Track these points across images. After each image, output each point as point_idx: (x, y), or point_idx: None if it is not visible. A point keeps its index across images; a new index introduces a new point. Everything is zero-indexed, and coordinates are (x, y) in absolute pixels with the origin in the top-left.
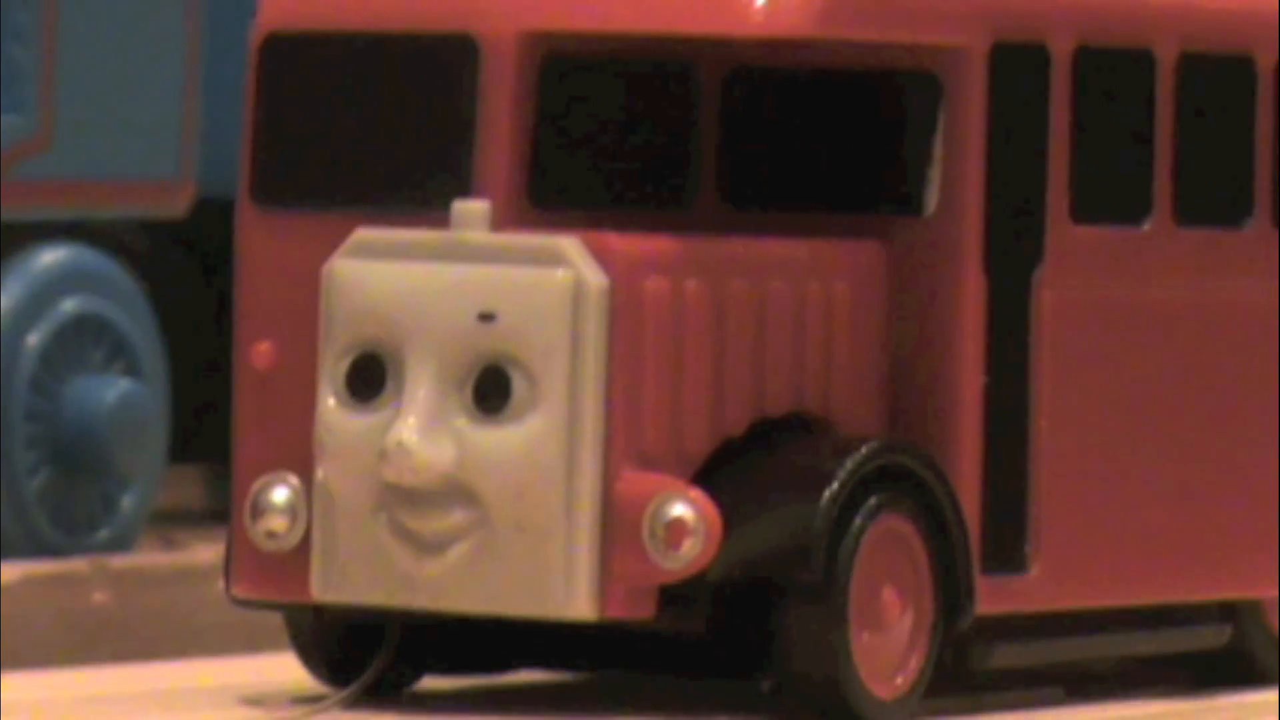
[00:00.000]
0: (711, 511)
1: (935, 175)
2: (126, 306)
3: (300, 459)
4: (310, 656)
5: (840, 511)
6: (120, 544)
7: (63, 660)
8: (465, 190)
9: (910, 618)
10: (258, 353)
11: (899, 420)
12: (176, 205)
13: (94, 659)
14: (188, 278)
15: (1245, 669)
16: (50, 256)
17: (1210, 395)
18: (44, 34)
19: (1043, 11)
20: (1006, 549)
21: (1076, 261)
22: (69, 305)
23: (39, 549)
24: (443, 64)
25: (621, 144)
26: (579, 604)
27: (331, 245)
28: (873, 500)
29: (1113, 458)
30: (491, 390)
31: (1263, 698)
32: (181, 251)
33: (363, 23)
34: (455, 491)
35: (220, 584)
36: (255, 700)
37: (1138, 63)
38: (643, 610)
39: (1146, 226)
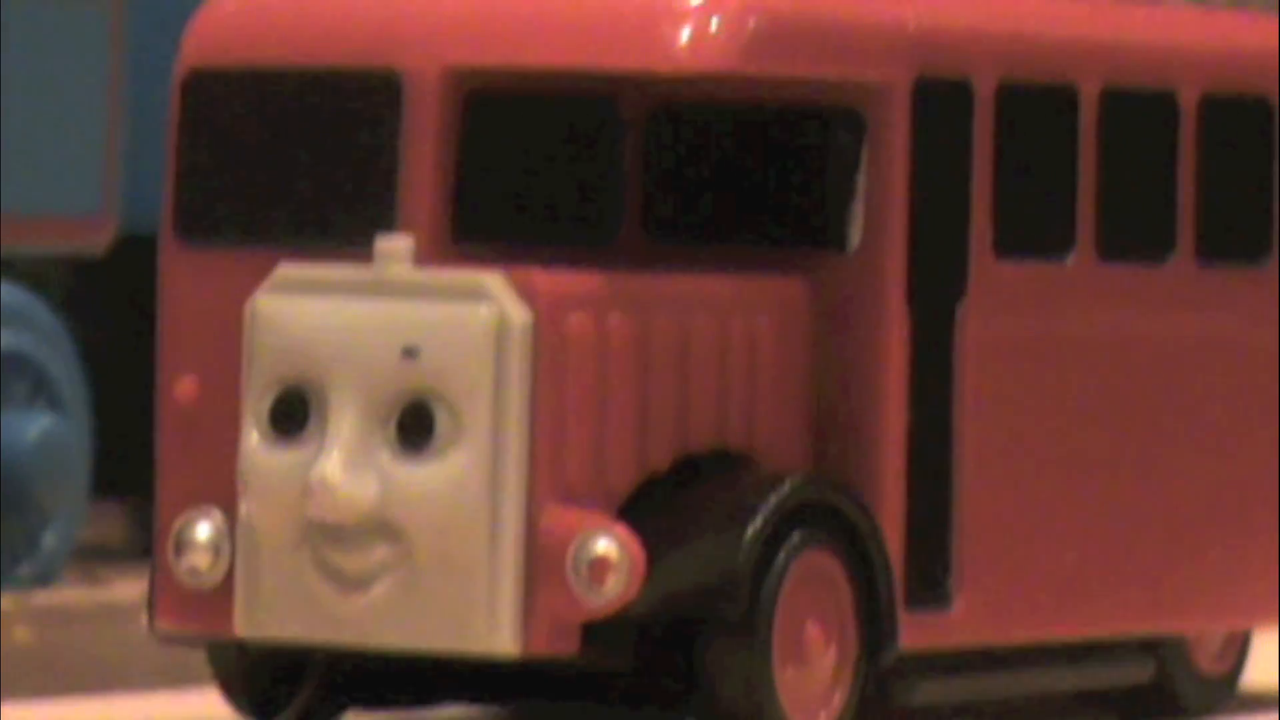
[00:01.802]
0: (635, 547)
1: (859, 211)
2: (49, 342)
3: (224, 495)
4: (234, 692)
5: (764, 547)
6: (43, 580)
7: None
8: (389, 226)
9: (834, 653)
10: (181, 388)
11: (823, 456)
12: (99, 241)
13: (16, 695)
14: (110, 314)
15: (1168, 705)
16: None
17: (1133, 430)
18: None
19: (966, 47)
20: (930, 584)
21: (1000, 296)
22: None
23: None
24: (366, 100)
25: (545, 179)
26: (503, 640)
27: (255, 281)
28: (796, 536)
29: (1036, 493)
30: (415, 426)
31: None
32: (104, 287)
33: (286, 59)
34: (379, 528)
35: (144, 620)
36: None
37: (1061, 99)
38: (566, 646)
39: (1070, 261)
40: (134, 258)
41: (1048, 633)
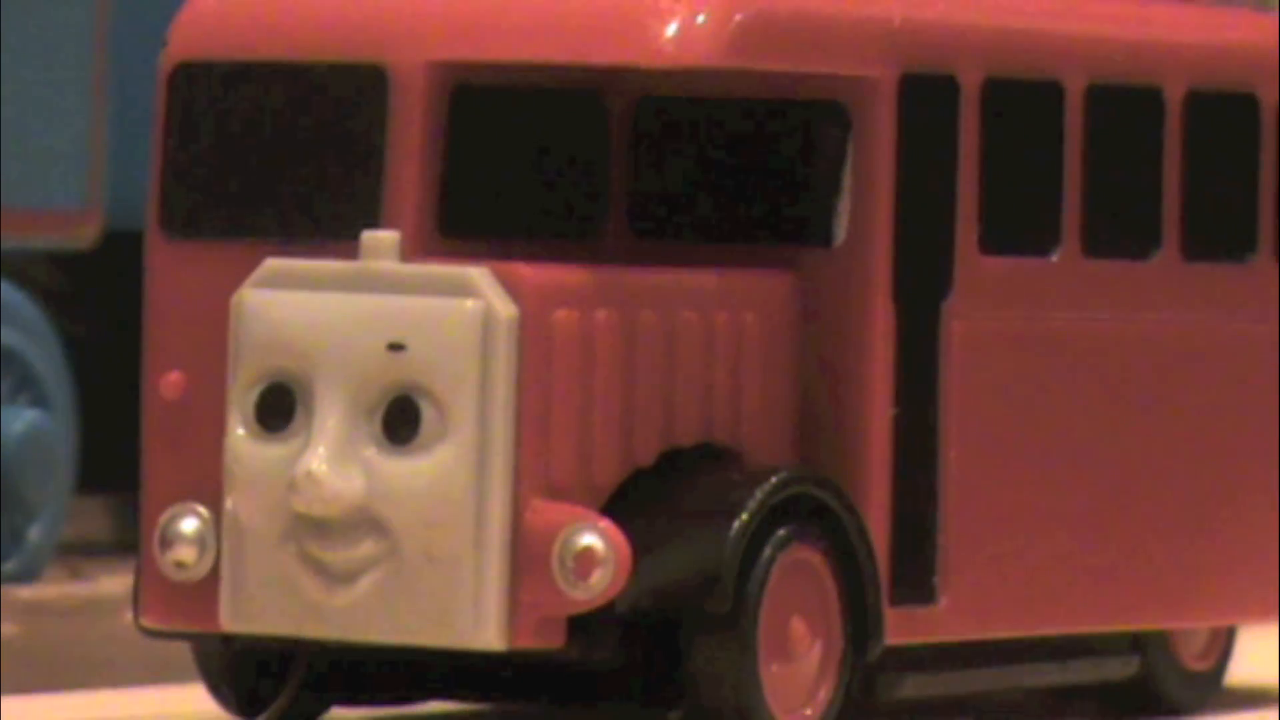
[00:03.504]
0: (621, 542)
1: (844, 206)
2: (33, 337)
3: (209, 489)
4: (219, 687)
5: (749, 542)
6: (27, 575)
7: None
8: (375, 220)
9: (819, 648)
10: (167, 383)
11: (808, 451)
12: (85, 236)
13: (1, 690)
14: (96, 309)
15: (1152, 700)
16: None
17: (1119, 426)
18: None
19: (951, 43)
20: (915, 580)
21: (985, 292)
22: None
23: None
24: (352, 94)
25: (531, 174)
26: (488, 634)
27: (241, 275)
28: (782, 531)
29: (1021, 489)
30: (401, 420)
31: None
32: (90, 282)
33: (273, 53)
34: (364, 522)
35: (128, 614)
36: None
37: (1046, 94)
38: (552, 640)
39: (1055, 257)
40: (120, 253)
41: (1033, 628)
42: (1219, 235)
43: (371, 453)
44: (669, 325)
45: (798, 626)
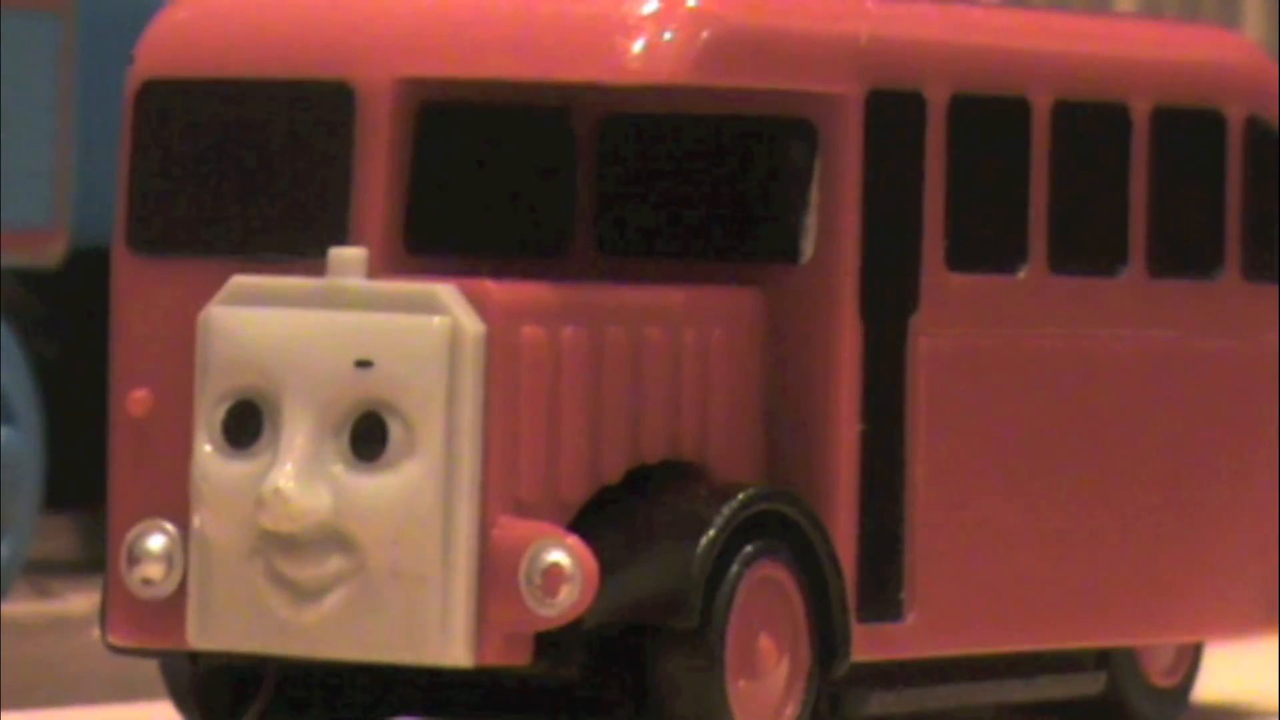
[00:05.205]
0: (588, 558)
1: (811, 222)
2: (0, 355)
3: (177, 506)
4: (186, 704)
5: (717, 559)
6: None
7: None
8: (342, 237)
9: (786, 665)
10: (134, 400)
11: (775, 467)
12: (51, 254)
13: None
14: (63, 326)
15: (1119, 717)
16: None
17: (1085, 442)
18: None
19: (919, 59)
20: (883, 596)
21: (952, 309)
22: None
23: None
24: (319, 111)
25: (498, 190)
26: (455, 651)
27: (208, 292)
28: (749, 548)
29: (989, 505)
30: (368, 437)
31: None
32: (56, 300)
33: (239, 70)
34: (332, 538)
35: (96, 632)
36: None
37: (1013, 111)
38: (519, 657)
39: (1022, 274)
40: (86, 270)
41: (1000, 645)
42: (1186, 252)
43: (339, 469)
44: (636, 342)
45: (764, 643)
